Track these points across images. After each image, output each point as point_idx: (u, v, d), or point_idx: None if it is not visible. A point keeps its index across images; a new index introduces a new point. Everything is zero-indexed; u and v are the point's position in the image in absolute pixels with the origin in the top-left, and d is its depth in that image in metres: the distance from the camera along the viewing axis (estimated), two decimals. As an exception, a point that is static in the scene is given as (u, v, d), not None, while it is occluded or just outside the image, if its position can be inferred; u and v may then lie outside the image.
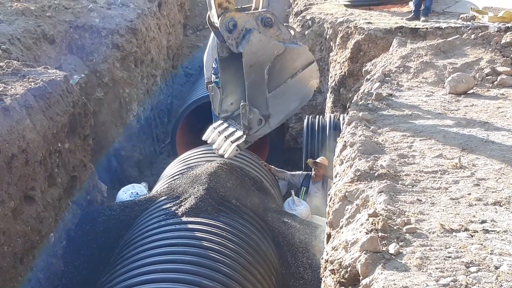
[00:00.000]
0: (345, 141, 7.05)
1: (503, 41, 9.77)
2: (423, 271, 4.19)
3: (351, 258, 4.65)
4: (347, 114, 8.74)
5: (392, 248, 4.49)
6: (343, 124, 10.70)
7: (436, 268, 4.21)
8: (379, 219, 4.86)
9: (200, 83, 17.61)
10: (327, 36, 14.05)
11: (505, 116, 7.40)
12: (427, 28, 11.94)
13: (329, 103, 13.73)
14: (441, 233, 4.73)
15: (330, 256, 5.13)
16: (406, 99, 8.28)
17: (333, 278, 4.94)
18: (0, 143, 7.02)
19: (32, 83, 8.47)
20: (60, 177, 8.94)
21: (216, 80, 10.20)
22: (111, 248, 9.22)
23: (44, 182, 8.42)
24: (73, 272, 8.97)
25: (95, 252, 9.26)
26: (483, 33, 10.39)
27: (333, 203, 6.01)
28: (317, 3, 16.58)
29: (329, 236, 5.97)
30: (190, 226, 8.31)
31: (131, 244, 8.31)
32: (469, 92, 8.43)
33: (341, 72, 12.92)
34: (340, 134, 7.99)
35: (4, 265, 7.18)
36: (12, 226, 7.42)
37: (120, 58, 14.48)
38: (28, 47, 12.15)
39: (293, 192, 12.09)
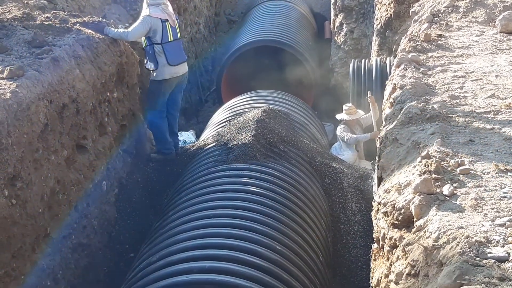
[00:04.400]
0: (394, 84, 6.98)
1: (556, -24, 9.46)
2: (478, 212, 4.17)
3: (405, 200, 4.65)
4: (395, 57, 8.63)
5: (446, 189, 4.47)
6: (390, 67, 10.58)
7: (492, 209, 4.19)
8: (432, 161, 4.83)
9: (243, 30, 17.54)
10: (372, -23, 13.81)
11: (559, 53, 7.23)
12: (476, -35, 11.60)
13: (375, 46, 13.55)
14: (496, 173, 4.69)
15: (383, 198, 5.13)
16: (456, 39, 8.12)
17: (386, 220, 4.95)
18: (51, 93, 7.12)
19: (79, 33, 8.52)
20: (110, 126, 9.04)
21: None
22: (162, 195, 9.37)
23: (95, 131, 8.54)
24: (126, 219, 9.16)
25: (147, 199, 9.42)
26: (535, -32, 10.07)
27: (384, 146, 5.98)
28: None
29: (380, 179, 5.96)
30: (239, 172, 8.37)
31: (182, 190, 8.43)
32: (521, 30, 8.24)
33: (387, 14, 12.69)
34: (389, 77, 7.91)
35: (59, 212, 7.35)
36: (66, 175, 7.57)
37: (163, 6, 14.44)
38: (73, -3, 12.18)
39: (339, 137, 12.06)
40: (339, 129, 12.07)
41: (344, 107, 12.02)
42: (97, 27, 9.25)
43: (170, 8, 10.12)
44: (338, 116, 12.16)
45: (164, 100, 10.11)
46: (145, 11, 9.85)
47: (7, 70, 6.78)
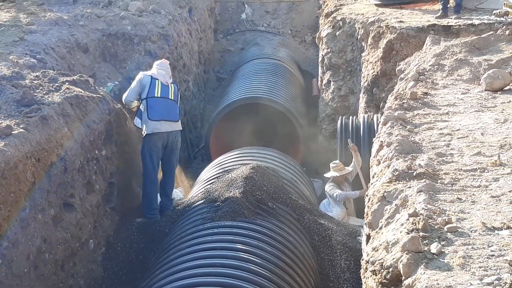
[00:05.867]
0: (381, 141, 7.03)
1: (538, 36, 9.66)
2: (466, 270, 4.16)
3: (393, 259, 4.64)
4: (382, 114, 8.71)
5: (434, 247, 4.47)
6: (377, 124, 10.66)
7: (480, 267, 4.18)
8: (420, 219, 4.84)
9: (232, 87, 17.67)
10: (359, 36, 13.98)
11: (543, 111, 7.32)
12: (460, 25, 11.82)
13: (362, 104, 13.65)
14: (483, 231, 4.69)
15: (371, 257, 5.11)
16: (442, 97, 8.22)
17: (374, 279, 4.93)
18: (39, 152, 7.13)
19: (69, 92, 8.57)
20: (98, 184, 9.03)
21: None
22: (149, 253, 9.29)
23: (83, 189, 8.52)
24: (113, 278, 9.05)
25: (134, 257, 9.33)
26: (517, 28, 10.28)
27: (371, 204, 5.98)
28: (347, 4, 16.51)
29: (368, 237, 5.95)
30: (227, 229, 8.33)
31: (170, 248, 8.36)
32: (505, 88, 8.34)
33: (374, 72, 12.85)
34: (376, 134, 7.96)
35: (45, 272, 7.28)
36: (53, 233, 7.52)
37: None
38: (63, 56, 12.30)
39: (328, 194, 12.05)
40: (328, 187, 12.06)
41: (332, 164, 12.04)
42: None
43: (170, 77, 10.43)
44: (327, 175, 12.16)
45: (153, 162, 10.10)
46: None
47: (-5, 128, 6.80)
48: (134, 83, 10.12)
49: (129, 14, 15.03)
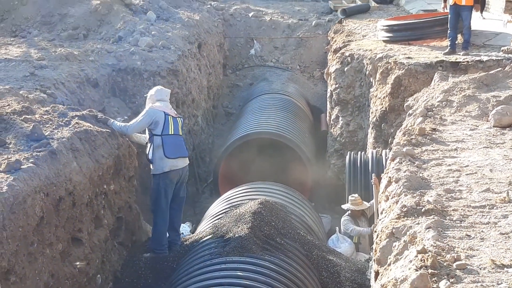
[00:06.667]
0: (390, 177, 7.02)
1: (546, 72, 9.68)
2: (475, 308, 4.13)
3: (401, 296, 4.60)
4: (390, 149, 8.71)
5: (443, 285, 4.43)
6: (386, 159, 10.65)
7: (489, 305, 4.15)
8: (428, 256, 4.81)
9: (240, 122, 17.73)
10: (367, 72, 14.05)
11: (552, 148, 7.30)
12: (468, 61, 11.88)
13: (370, 139, 13.67)
14: (492, 268, 4.66)
15: (380, 294, 5.08)
16: (450, 133, 8.22)
17: (383, 317, 4.89)
18: (48, 186, 7.14)
19: (78, 127, 8.62)
20: (106, 219, 9.03)
21: None
22: (157, 288, 9.26)
23: (91, 224, 8.52)
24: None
25: (142, 293, 9.29)
26: (525, 65, 10.31)
27: (380, 240, 5.96)
28: (355, 40, 16.62)
29: (377, 273, 5.91)
30: (235, 265, 8.29)
31: (178, 284, 8.33)
32: (514, 125, 8.35)
33: (382, 107, 12.89)
34: (384, 170, 7.95)
35: (53, 307, 7.25)
36: (61, 268, 7.50)
37: (161, 100, 14.66)
38: (72, 91, 12.38)
39: (337, 229, 12.01)
40: (344, 220, 12.02)
41: (350, 197, 12.02)
42: (102, 120, 9.54)
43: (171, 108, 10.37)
44: (344, 206, 12.14)
45: (167, 198, 10.02)
46: (148, 105, 10.06)
47: (4, 163, 6.83)
48: (144, 117, 9.87)
49: (139, 49, 15.16)
